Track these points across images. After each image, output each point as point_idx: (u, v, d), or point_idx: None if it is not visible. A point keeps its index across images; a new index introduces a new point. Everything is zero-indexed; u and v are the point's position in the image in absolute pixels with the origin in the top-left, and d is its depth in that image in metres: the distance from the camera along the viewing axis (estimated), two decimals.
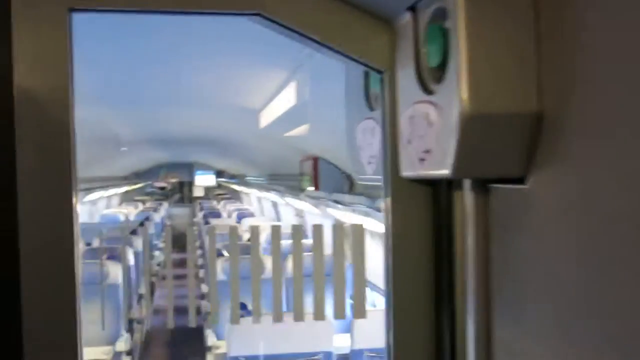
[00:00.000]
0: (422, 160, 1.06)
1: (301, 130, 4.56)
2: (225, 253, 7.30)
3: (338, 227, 2.19)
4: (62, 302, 1.17)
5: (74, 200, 1.16)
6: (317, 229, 1.46)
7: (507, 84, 0.94)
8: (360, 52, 1.22)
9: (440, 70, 1.00)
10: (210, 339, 6.25)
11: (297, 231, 1.42)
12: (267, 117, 4.46)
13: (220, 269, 6.58)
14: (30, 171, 1.12)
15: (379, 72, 1.25)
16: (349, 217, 5.43)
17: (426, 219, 1.23)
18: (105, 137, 7.40)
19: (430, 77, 1.06)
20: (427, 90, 1.07)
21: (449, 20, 0.98)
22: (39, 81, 1.12)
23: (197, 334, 8.70)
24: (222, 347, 5.87)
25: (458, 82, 0.93)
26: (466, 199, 1.11)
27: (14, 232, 1.12)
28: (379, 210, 3.52)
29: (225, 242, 8.15)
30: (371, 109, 1.39)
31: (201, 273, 9.85)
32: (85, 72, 3.25)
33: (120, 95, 4.49)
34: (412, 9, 1.13)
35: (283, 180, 8.55)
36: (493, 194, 1.07)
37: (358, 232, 1.97)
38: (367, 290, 6.85)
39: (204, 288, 8.54)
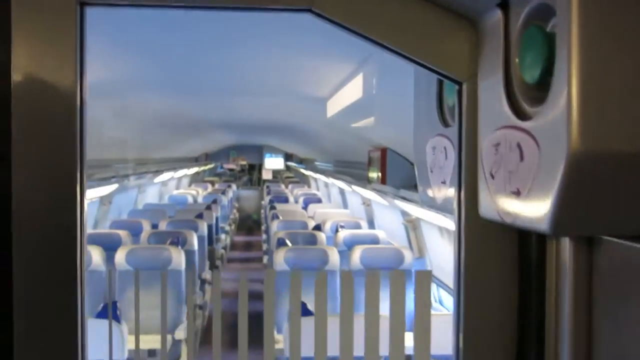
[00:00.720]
0: (508, 202, 0.81)
1: (368, 121, 4.34)
2: (289, 242, 7.16)
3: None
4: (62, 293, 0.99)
5: (78, 195, 0.97)
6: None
7: (633, 112, 0.67)
8: (433, 56, 0.97)
9: (539, 88, 0.74)
10: None
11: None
12: (334, 106, 4.25)
13: (282, 258, 6.44)
14: (26, 163, 0.94)
15: (457, 82, 1.00)
16: (417, 211, 5.18)
17: (508, 269, 0.98)
18: (177, 122, 7.39)
19: (525, 96, 0.80)
20: (520, 113, 0.81)
21: (555, 21, 0.72)
22: (42, 74, 0.94)
23: (259, 320, 8.64)
24: (280, 341, 5.73)
25: (567, 107, 0.67)
26: (564, 252, 0.85)
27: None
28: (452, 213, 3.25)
29: (289, 230, 8.03)
30: (445, 124, 1.14)
31: (264, 259, 9.77)
32: (156, 63, 3.19)
33: (192, 84, 4.42)
34: (504, 4, 0.86)
35: (350, 168, 8.33)
36: (601, 249, 0.81)
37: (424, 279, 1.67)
38: (433, 287, 6.61)
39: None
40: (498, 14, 0.88)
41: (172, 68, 3.55)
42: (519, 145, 0.77)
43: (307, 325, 3.98)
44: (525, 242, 0.96)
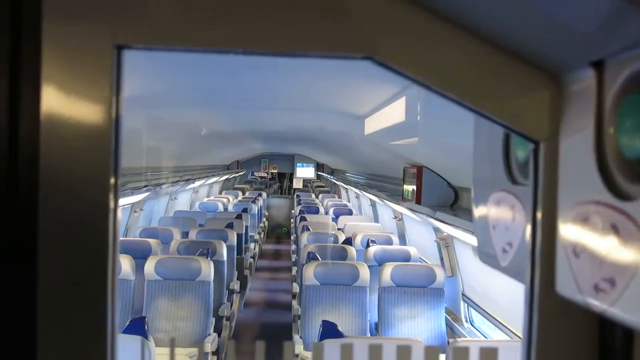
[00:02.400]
0: (598, 289, 0.71)
1: (407, 141, 4.25)
2: (318, 257, 7.08)
3: None
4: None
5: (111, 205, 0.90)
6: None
7: None
8: (506, 112, 0.88)
9: None
10: (297, 346, 6.04)
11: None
12: (373, 124, 4.17)
13: (312, 273, 6.38)
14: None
15: (533, 141, 0.90)
16: (452, 230, 5.08)
17: (586, 354, 0.88)
18: (210, 131, 7.40)
19: (623, 171, 0.70)
20: (616, 190, 0.71)
21: None
22: (75, 116, 0.87)
23: (287, 333, 8.58)
24: (309, 358, 5.65)
25: None
26: None
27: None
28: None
29: (319, 244, 7.96)
30: (513, 181, 1.04)
31: (293, 270, 9.70)
32: (193, 79, 3.18)
33: (227, 99, 4.41)
34: (598, 63, 0.77)
35: (382, 182, 8.23)
36: None
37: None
38: (464, 307, 6.48)
39: (295, 287, 8.38)
40: (589, 73, 0.79)
41: (209, 84, 3.52)
42: (614, 227, 0.68)
43: (337, 348, 3.90)
44: (608, 326, 0.86)
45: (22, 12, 0.83)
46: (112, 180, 0.87)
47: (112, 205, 0.88)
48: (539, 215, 0.89)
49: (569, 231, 0.82)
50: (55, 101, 0.85)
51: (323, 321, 4.25)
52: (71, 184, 0.86)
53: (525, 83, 0.88)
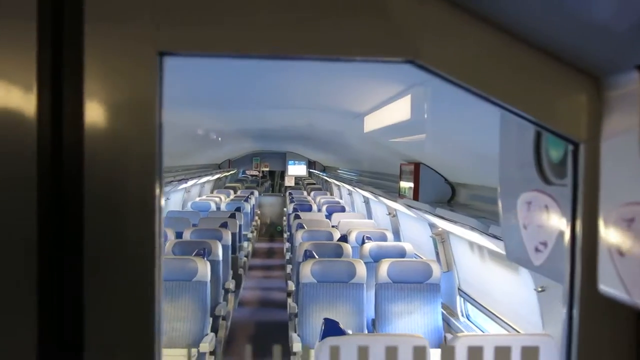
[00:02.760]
0: None
1: (407, 139, 4.26)
2: (315, 255, 7.09)
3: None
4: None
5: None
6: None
7: None
8: (546, 113, 0.89)
9: None
10: (295, 344, 6.05)
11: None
12: (373, 122, 4.17)
13: (309, 271, 6.38)
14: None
15: (572, 142, 0.91)
16: (449, 226, 5.09)
17: (626, 354, 0.89)
18: (203, 131, 7.37)
19: None
20: None
21: None
22: (118, 123, 0.86)
23: (283, 331, 8.58)
24: (309, 358, 5.65)
25: None
26: None
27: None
28: (495, 237, 3.16)
29: (315, 242, 7.96)
30: (546, 181, 1.04)
31: (288, 269, 9.70)
32: (185, 80, 3.16)
33: (221, 98, 4.37)
34: None
35: (376, 179, 8.25)
36: None
37: None
38: (460, 301, 6.51)
39: (290, 285, 8.38)
40: (635, 77, 0.80)
41: (201, 84, 3.48)
42: None
43: (340, 345, 3.91)
44: None
45: (63, 19, 0.83)
46: (157, 190, 0.87)
47: (157, 216, 0.88)
48: (579, 215, 0.90)
49: (612, 231, 0.83)
50: (98, 109, 0.85)
51: (325, 319, 4.26)
52: (116, 195, 0.86)
53: (565, 85, 0.89)
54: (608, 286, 0.85)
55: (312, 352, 5.67)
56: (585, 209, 0.89)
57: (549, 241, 0.99)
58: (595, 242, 0.87)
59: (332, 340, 3.78)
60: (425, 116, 2.74)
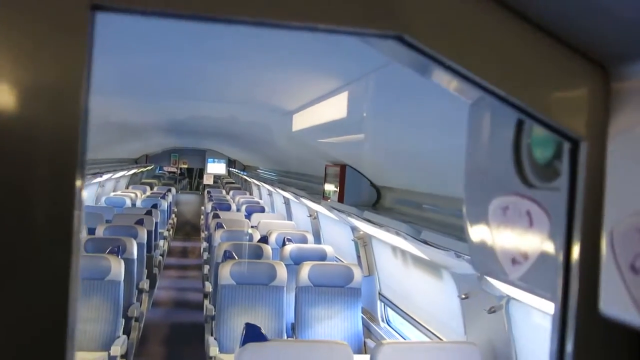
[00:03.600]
0: None
1: (335, 139, 4.15)
2: (235, 256, 6.90)
3: None
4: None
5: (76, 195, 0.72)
6: None
7: None
8: (543, 106, 0.77)
9: None
10: (212, 349, 5.84)
11: None
12: (303, 121, 4.04)
13: (228, 272, 6.19)
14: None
15: (570, 140, 0.80)
16: (372, 230, 5.03)
17: None
18: (117, 124, 7.04)
19: None
20: None
21: None
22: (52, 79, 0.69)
23: (198, 334, 8.33)
24: None
25: None
26: None
27: None
28: (425, 242, 3.08)
29: (234, 242, 7.76)
30: (527, 184, 0.93)
31: (205, 269, 9.45)
32: (103, 65, 2.93)
33: (140, 87, 4.12)
34: None
35: (298, 180, 8.13)
36: None
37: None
38: (381, 306, 6.48)
39: (207, 286, 8.15)
40: None
41: (117, 67, 3.24)
42: None
43: (263, 353, 3.77)
44: None
45: None
46: (79, 182, 0.70)
47: (77, 211, 0.71)
48: (576, 224, 0.79)
49: (623, 243, 0.71)
50: (11, 66, 0.67)
51: (246, 324, 4.08)
52: (26, 185, 0.69)
53: (568, 74, 0.78)
54: (613, 308, 0.74)
55: (231, 357, 5.50)
56: (585, 217, 0.78)
57: (531, 253, 0.88)
58: (597, 257, 0.76)
59: (253, 347, 3.63)
60: (365, 114, 2.63)
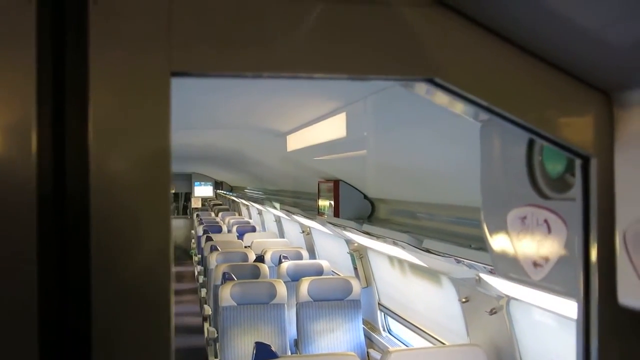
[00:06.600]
0: None
1: (330, 157, 4.26)
2: (234, 277, 6.96)
3: None
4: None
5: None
6: None
7: None
8: (556, 127, 0.89)
9: None
10: None
11: None
12: (298, 141, 4.14)
13: (228, 293, 6.25)
14: None
15: (581, 157, 0.92)
16: (368, 242, 5.12)
17: None
18: None
19: None
20: None
21: None
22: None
23: (199, 357, 8.34)
24: None
25: None
26: None
27: None
28: (427, 251, 3.19)
29: (231, 263, 7.82)
30: (543, 196, 1.05)
31: (203, 292, 9.48)
32: None
33: None
34: None
35: (292, 197, 8.22)
36: None
37: None
38: (381, 316, 6.56)
39: (207, 309, 8.19)
40: None
41: None
42: None
43: None
44: None
45: (66, 39, 0.75)
46: (169, 214, 0.81)
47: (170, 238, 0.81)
48: (592, 229, 0.91)
49: (634, 243, 0.84)
50: (105, 132, 0.78)
51: (256, 343, 4.17)
52: (126, 222, 0.80)
53: (576, 100, 0.90)
54: (630, 298, 0.85)
55: None
56: (600, 223, 0.90)
57: (551, 256, 0.99)
58: (613, 255, 0.88)
59: None
60: (362, 134, 2.74)
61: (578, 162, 0.93)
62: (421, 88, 0.89)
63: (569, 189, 0.99)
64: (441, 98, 0.89)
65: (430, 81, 0.85)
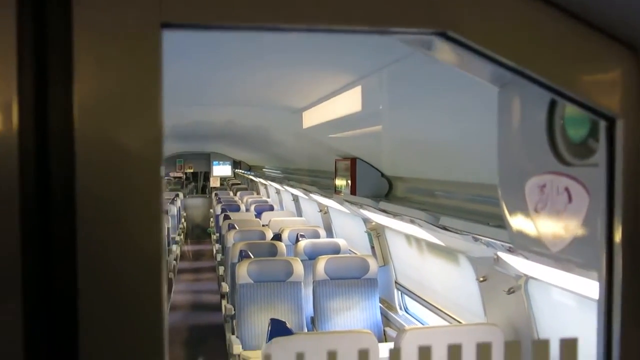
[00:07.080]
0: None
1: (347, 134, 4.20)
2: (251, 255, 6.96)
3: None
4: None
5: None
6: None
7: None
8: (580, 87, 0.83)
9: None
10: (235, 347, 5.90)
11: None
12: (314, 118, 4.08)
13: (245, 271, 6.25)
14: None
15: (607, 118, 0.85)
16: (386, 220, 5.07)
17: None
18: None
19: None
20: None
21: None
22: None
23: (218, 333, 8.39)
24: (252, 358, 5.52)
25: None
26: None
27: None
28: (444, 228, 3.14)
29: (248, 241, 7.82)
30: (564, 162, 0.99)
31: (221, 270, 9.51)
32: None
33: None
34: None
35: (309, 176, 8.18)
36: None
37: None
38: (398, 295, 6.53)
39: (224, 286, 8.21)
40: None
41: None
42: None
43: (290, 346, 3.84)
44: None
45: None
46: (162, 172, 0.76)
47: (162, 216, 0.76)
48: (617, 198, 0.84)
49: None
50: (89, 90, 0.73)
51: (271, 319, 4.16)
52: (113, 187, 0.75)
53: (601, 57, 0.84)
54: None
55: (257, 353, 5.56)
56: (625, 192, 0.83)
57: (572, 227, 0.93)
58: (639, 228, 0.82)
59: (280, 341, 3.69)
60: (378, 108, 2.68)
61: (603, 125, 0.86)
62: (435, 47, 0.83)
63: (592, 155, 0.92)
64: (453, 56, 0.83)
65: (443, 35, 0.79)
